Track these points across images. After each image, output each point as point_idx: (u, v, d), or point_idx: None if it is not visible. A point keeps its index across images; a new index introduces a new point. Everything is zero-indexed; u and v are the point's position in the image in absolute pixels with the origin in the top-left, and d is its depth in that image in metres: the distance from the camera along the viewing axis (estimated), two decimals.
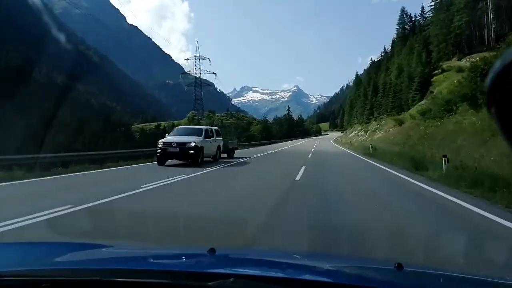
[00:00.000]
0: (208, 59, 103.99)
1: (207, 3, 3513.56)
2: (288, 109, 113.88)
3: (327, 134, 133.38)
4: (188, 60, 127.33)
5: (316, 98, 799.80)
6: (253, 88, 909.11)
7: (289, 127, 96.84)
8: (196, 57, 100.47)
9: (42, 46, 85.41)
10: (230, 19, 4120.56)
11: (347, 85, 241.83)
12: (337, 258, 2.35)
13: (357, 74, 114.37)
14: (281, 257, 1.95)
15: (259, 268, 1.48)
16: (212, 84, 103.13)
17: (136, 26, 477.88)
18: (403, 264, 1.28)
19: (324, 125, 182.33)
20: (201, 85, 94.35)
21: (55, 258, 1.50)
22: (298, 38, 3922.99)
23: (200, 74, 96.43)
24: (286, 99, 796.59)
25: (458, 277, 1.52)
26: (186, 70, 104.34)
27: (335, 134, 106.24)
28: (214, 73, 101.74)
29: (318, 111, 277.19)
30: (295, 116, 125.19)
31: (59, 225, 4.53)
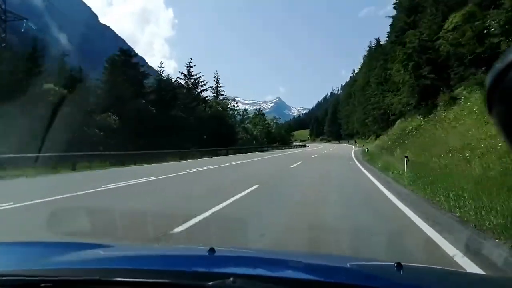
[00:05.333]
0: None
1: (192, 10, 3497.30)
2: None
3: (305, 146, 77.26)
4: None
5: (298, 110, 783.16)
6: (235, 98, 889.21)
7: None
8: None
9: None
10: (214, 28, 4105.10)
11: (331, 93, 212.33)
12: (336, 257, 2.33)
13: None
14: (281, 256, 1.92)
15: (259, 267, 1.44)
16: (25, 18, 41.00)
17: (109, 26, 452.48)
18: (402, 264, 1.28)
19: (303, 133, 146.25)
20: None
21: (55, 258, 1.48)
22: (283, 49, 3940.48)
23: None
24: (267, 110, 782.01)
25: (458, 275, 1.53)
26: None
27: (329, 146, 64.22)
28: (25, 19, 41.72)
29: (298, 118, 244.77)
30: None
31: None
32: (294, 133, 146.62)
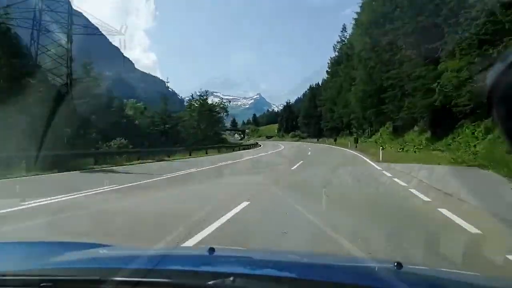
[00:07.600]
0: None
1: (173, 3, 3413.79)
2: None
3: (259, 146, 51.84)
4: None
5: (278, 107, 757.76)
6: (214, 93, 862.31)
7: None
8: None
9: None
10: (196, 21, 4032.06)
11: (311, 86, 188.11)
12: (336, 257, 2.34)
13: None
14: (281, 256, 1.93)
15: (259, 267, 1.45)
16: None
17: (81, 13, 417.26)
18: (402, 263, 1.29)
19: (272, 128, 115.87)
20: None
21: (55, 258, 1.49)
22: (266, 45, 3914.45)
23: None
24: (247, 106, 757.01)
25: (458, 275, 1.54)
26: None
27: (288, 155, 28.04)
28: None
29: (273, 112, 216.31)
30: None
31: None
32: (261, 128, 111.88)
